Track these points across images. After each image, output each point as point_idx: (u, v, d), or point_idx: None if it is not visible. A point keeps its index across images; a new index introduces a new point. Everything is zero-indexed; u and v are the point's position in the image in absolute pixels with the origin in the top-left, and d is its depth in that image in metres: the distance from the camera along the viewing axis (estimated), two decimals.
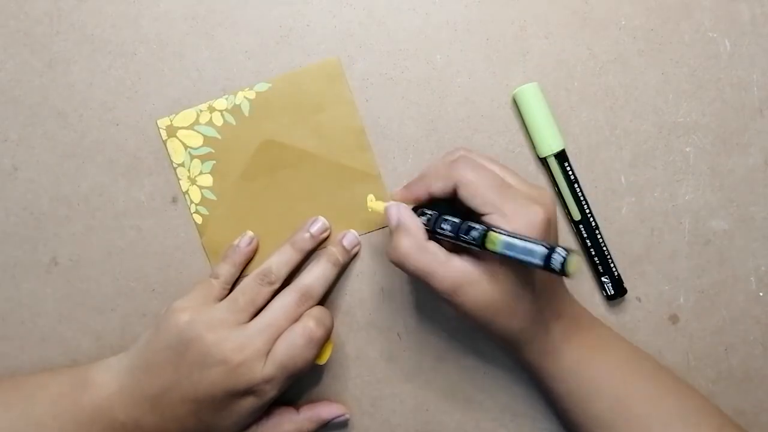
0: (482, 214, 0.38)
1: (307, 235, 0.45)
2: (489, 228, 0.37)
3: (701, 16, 0.46)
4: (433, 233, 0.40)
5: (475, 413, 0.48)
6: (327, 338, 0.43)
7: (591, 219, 0.46)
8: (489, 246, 0.37)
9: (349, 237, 0.46)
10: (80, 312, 0.47)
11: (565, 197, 0.45)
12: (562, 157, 0.45)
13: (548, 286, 0.40)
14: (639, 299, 0.47)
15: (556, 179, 0.45)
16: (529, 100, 0.45)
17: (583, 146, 0.46)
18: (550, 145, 0.45)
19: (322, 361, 0.44)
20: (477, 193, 0.38)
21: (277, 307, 0.42)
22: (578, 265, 0.34)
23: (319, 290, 0.44)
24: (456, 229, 0.39)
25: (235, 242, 0.46)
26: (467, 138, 0.46)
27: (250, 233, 0.46)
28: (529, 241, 0.35)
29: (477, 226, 0.38)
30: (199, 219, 0.47)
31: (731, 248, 0.47)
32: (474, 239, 0.38)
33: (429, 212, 0.41)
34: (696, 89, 0.46)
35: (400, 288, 0.47)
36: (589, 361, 0.42)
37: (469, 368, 0.47)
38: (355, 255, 0.47)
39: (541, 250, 0.35)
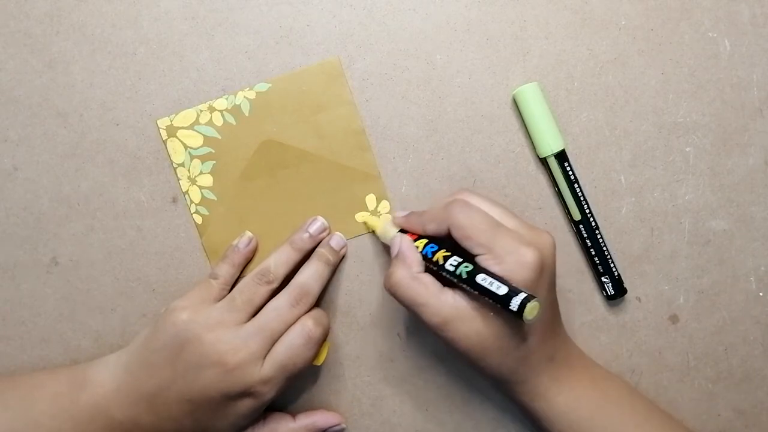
0: (475, 255, 0.39)
1: (306, 235, 0.45)
2: (466, 261, 0.39)
3: (701, 16, 0.46)
4: (428, 261, 0.41)
5: (475, 413, 0.48)
6: (325, 338, 0.43)
7: (591, 219, 0.46)
8: (461, 275, 0.38)
9: (336, 239, 0.46)
10: (80, 312, 0.47)
11: (565, 197, 0.45)
12: (562, 157, 0.45)
13: (542, 328, 0.40)
14: (639, 299, 0.47)
15: (556, 179, 0.45)
16: (529, 100, 0.45)
17: (583, 146, 0.46)
18: (550, 145, 0.45)
19: (320, 361, 0.44)
20: (468, 235, 0.39)
21: (271, 309, 0.42)
22: (535, 312, 0.35)
23: (315, 287, 0.44)
24: (433, 253, 0.41)
25: (234, 243, 0.46)
26: (467, 138, 0.46)
27: (248, 233, 0.46)
28: (496, 280, 0.37)
29: (458, 259, 0.39)
30: (199, 219, 0.47)
31: (731, 248, 0.47)
32: (452, 266, 0.39)
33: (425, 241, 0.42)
34: (696, 89, 0.46)
35: None
36: (580, 405, 0.42)
37: (469, 368, 0.47)
38: (343, 256, 0.47)
39: (504, 290, 0.36)
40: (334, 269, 0.46)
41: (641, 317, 0.47)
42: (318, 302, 0.46)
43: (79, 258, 0.47)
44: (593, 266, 0.46)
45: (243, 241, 0.46)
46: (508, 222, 0.41)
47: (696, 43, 0.46)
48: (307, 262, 0.45)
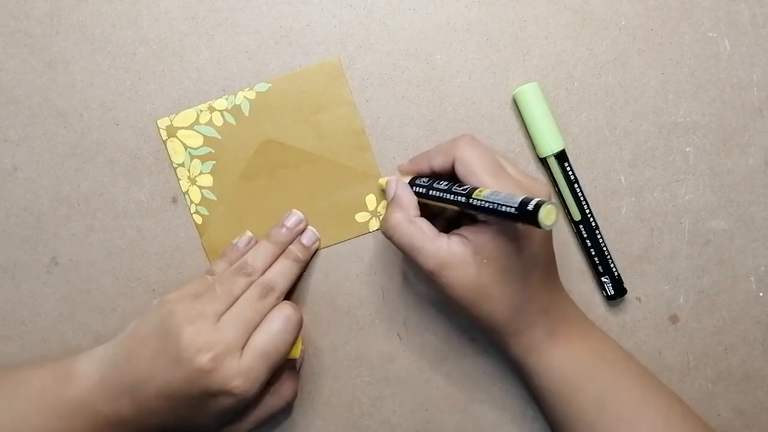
0: None
1: (283, 229, 0.46)
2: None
3: (701, 16, 0.46)
4: (427, 195, 0.41)
5: (475, 413, 0.48)
6: (300, 326, 0.43)
7: (591, 219, 0.46)
8: (475, 195, 0.37)
9: (307, 235, 0.46)
10: (80, 312, 0.47)
11: (565, 197, 0.45)
12: (562, 157, 0.45)
13: (538, 280, 0.40)
14: (639, 299, 0.47)
15: (556, 179, 0.45)
16: (529, 100, 0.45)
17: (583, 146, 0.46)
18: (550, 145, 0.45)
19: (297, 354, 0.43)
20: (472, 170, 0.39)
21: (243, 299, 0.42)
22: (553, 215, 0.34)
23: (281, 283, 0.44)
24: (450, 185, 0.40)
25: (234, 241, 0.46)
26: None
27: (249, 234, 0.46)
28: (510, 194, 0.36)
29: (466, 186, 0.39)
30: (199, 219, 0.47)
31: (731, 248, 0.47)
32: (464, 190, 0.38)
33: (427, 178, 0.42)
34: (696, 89, 0.46)
35: (400, 288, 0.47)
36: (574, 360, 0.42)
37: (469, 368, 0.47)
38: (316, 251, 0.47)
39: (518, 198, 0.35)
40: (305, 266, 0.46)
41: (641, 317, 0.47)
42: (319, 302, 0.46)
43: (79, 258, 0.47)
44: (593, 266, 0.46)
45: (243, 240, 0.46)
46: (509, 168, 0.41)
47: (696, 43, 0.46)
48: (276, 260, 0.45)
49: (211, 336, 0.40)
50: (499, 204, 0.36)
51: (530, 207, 0.34)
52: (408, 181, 0.43)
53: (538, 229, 0.38)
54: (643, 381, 0.43)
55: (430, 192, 0.41)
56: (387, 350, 0.48)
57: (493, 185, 0.38)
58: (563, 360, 0.42)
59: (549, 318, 0.41)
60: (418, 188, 0.42)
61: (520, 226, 0.39)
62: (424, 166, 0.43)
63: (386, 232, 0.41)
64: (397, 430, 0.48)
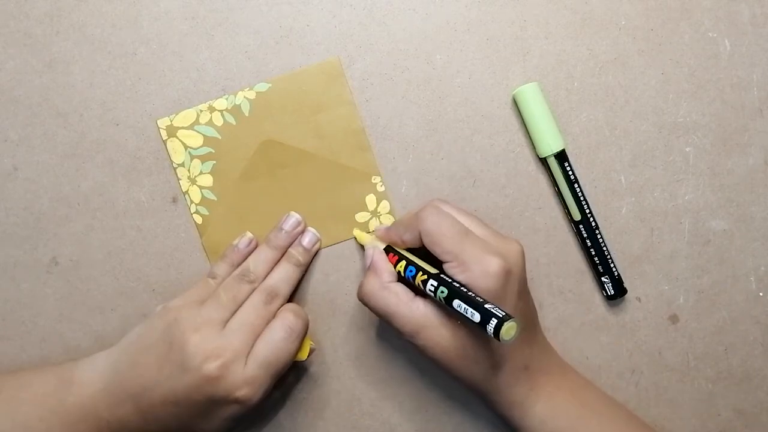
0: (443, 262, 0.40)
1: (282, 232, 0.45)
2: (442, 281, 0.39)
3: (701, 16, 0.46)
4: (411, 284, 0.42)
5: (475, 413, 0.48)
6: (305, 331, 0.43)
7: (591, 219, 0.46)
8: (440, 299, 0.39)
9: (308, 237, 0.46)
10: (80, 312, 0.47)
11: (565, 197, 0.45)
12: (562, 157, 0.45)
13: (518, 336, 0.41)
14: (639, 299, 0.47)
15: (556, 179, 0.45)
16: (529, 100, 0.45)
17: (583, 146, 0.46)
18: (550, 145, 0.45)
19: (303, 356, 0.44)
20: (437, 241, 0.40)
21: (248, 305, 0.42)
22: (512, 332, 0.35)
23: (283, 287, 0.44)
24: (413, 277, 0.41)
25: (235, 242, 0.46)
26: (467, 138, 0.46)
27: (249, 234, 0.46)
28: (471, 303, 0.37)
29: (432, 271, 0.40)
30: (199, 219, 0.47)
31: (731, 248, 0.47)
32: (430, 290, 0.39)
33: (405, 255, 0.43)
34: (696, 89, 0.46)
35: None
36: (558, 414, 0.42)
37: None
38: (317, 252, 0.47)
39: (477, 317, 0.36)
40: (306, 267, 0.46)
41: (641, 317, 0.47)
42: (319, 302, 0.46)
43: (79, 258, 0.47)
44: (593, 266, 0.46)
45: (243, 241, 0.46)
46: (477, 230, 0.41)
47: (696, 43, 0.46)
48: (278, 264, 0.45)
49: (217, 343, 0.40)
50: (464, 315, 0.37)
51: (489, 329, 0.35)
52: (383, 248, 0.44)
53: (505, 296, 0.39)
54: (631, 426, 0.43)
55: (406, 273, 0.41)
56: (387, 350, 0.48)
57: (456, 252, 0.39)
58: (548, 414, 0.42)
59: (529, 374, 0.42)
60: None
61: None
62: (396, 240, 0.43)
63: (361, 299, 0.42)
64: (397, 430, 0.48)
